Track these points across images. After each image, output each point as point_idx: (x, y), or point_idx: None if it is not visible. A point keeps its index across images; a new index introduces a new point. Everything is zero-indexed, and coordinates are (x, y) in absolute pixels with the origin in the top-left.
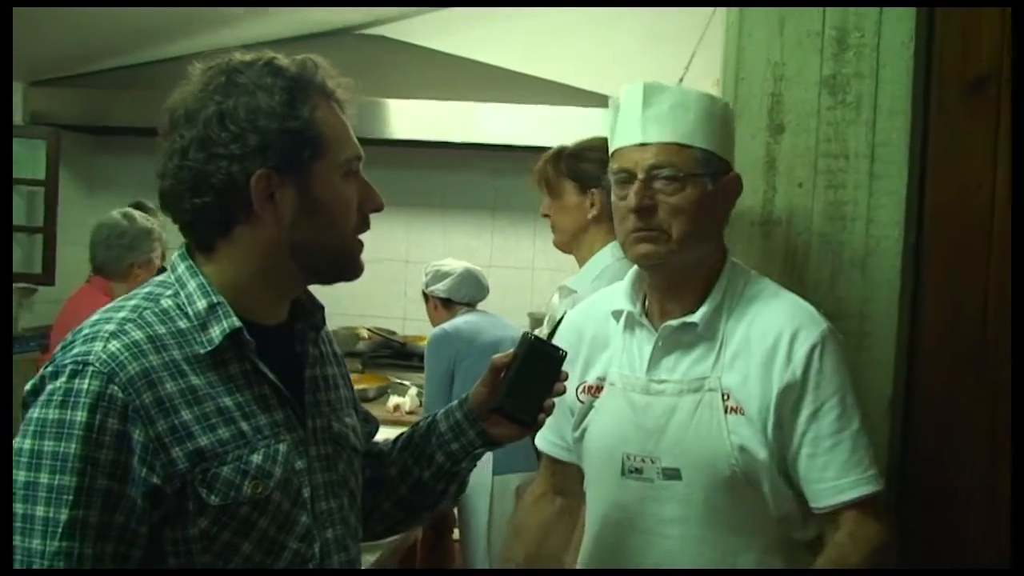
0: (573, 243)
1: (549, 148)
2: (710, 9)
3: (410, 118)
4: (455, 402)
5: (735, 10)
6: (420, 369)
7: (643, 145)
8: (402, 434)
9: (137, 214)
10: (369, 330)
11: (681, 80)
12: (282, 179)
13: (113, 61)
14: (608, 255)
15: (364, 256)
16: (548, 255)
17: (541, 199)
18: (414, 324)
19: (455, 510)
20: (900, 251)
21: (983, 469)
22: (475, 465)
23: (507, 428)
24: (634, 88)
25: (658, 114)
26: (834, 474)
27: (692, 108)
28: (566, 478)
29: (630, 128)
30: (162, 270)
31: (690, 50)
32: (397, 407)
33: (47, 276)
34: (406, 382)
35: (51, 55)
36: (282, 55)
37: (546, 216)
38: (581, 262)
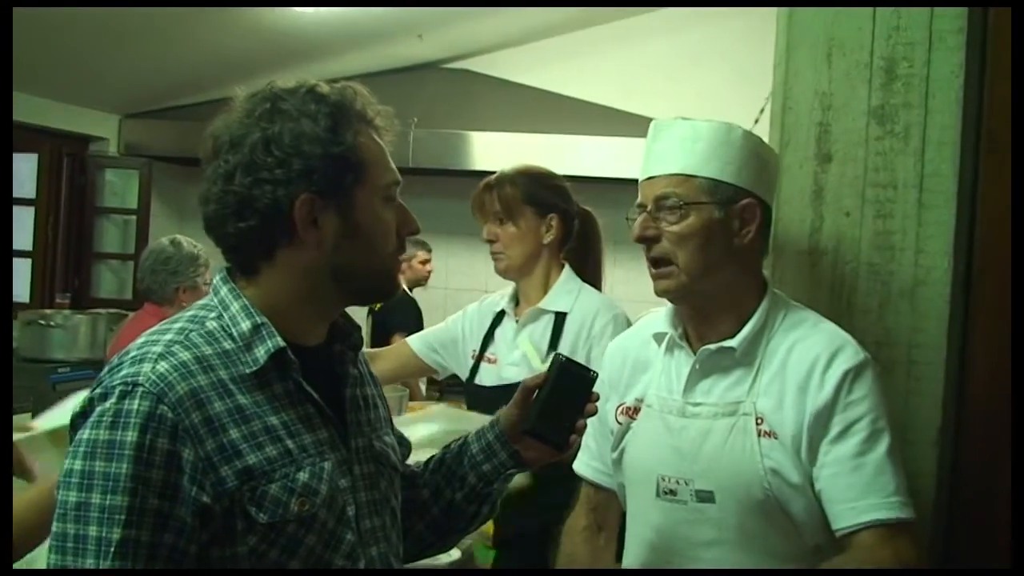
0: (524, 268)
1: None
2: None
3: (492, 150)
4: (487, 423)
5: (783, 40)
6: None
7: (651, 179)
8: (434, 456)
9: (184, 240)
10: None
11: (762, 112)
12: (325, 203)
13: (204, 95)
14: (575, 279)
15: (441, 283)
16: (627, 285)
17: (615, 230)
18: None
19: None
20: (949, 281)
21: None
22: (505, 487)
23: (539, 450)
24: (652, 126)
25: (665, 148)
26: (854, 495)
27: (702, 139)
28: (606, 508)
29: (644, 164)
30: None
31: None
32: None
33: (138, 302)
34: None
35: (144, 88)
36: (323, 82)
37: (490, 241)
38: (532, 288)
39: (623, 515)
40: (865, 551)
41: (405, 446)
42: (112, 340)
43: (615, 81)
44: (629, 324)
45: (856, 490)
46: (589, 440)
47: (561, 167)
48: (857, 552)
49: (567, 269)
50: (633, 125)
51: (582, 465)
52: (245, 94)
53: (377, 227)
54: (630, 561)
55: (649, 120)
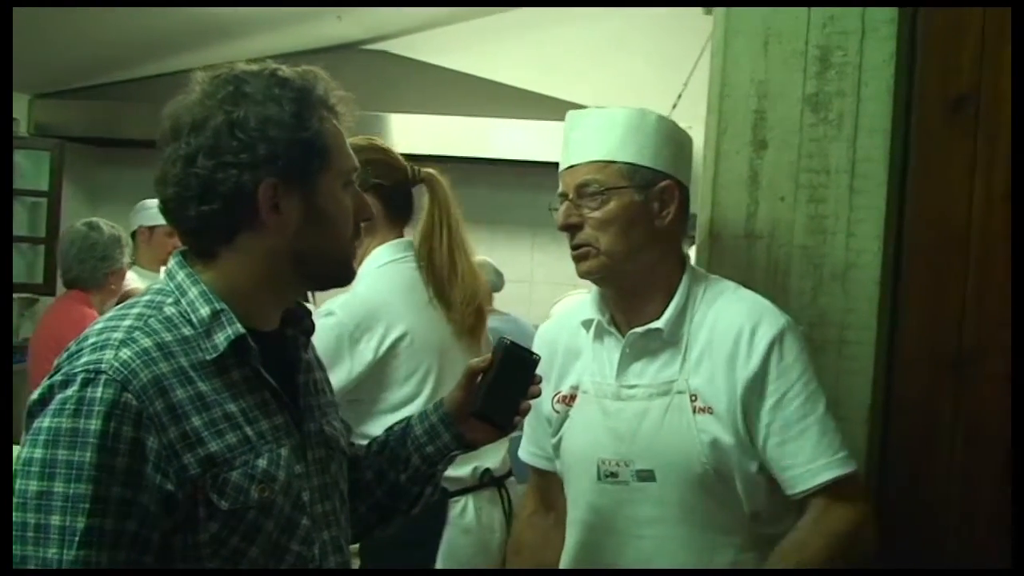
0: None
1: (551, 163)
2: (709, 30)
3: (410, 132)
4: (430, 405)
5: (721, 29)
6: None
7: (572, 167)
8: (377, 438)
9: (102, 222)
10: None
11: (679, 97)
12: (289, 189)
13: (117, 74)
14: (384, 254)
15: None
16: (547, 268)
17: (534, 214)
18: None
19: None
20: (880, 264)
21: (960, 475)
22: (447, 468)
23: (483, 431)
24: (568, 116)
25: (583, 136)
26: (805, 458)
27: (618, 125)
28: (552, 490)
29: (563, 154)
30: None
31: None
32: None
33: (48, 286)
34: None
35: (56, 67)
36: (285, 67)
37: None
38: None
39: None
40: (821, 514)
41: (349, 430)
42: (36, 326)
43: (535, 64)
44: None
45: (806, 453)
46: (528, 428)
47: (480, 150)
48: (814, 518)
49: (384, 247)
50: (553, 109)
51: (524, 452)
52: (204, 75)
53: (339, 213)
54: (571, 545)
55: (569, 104)
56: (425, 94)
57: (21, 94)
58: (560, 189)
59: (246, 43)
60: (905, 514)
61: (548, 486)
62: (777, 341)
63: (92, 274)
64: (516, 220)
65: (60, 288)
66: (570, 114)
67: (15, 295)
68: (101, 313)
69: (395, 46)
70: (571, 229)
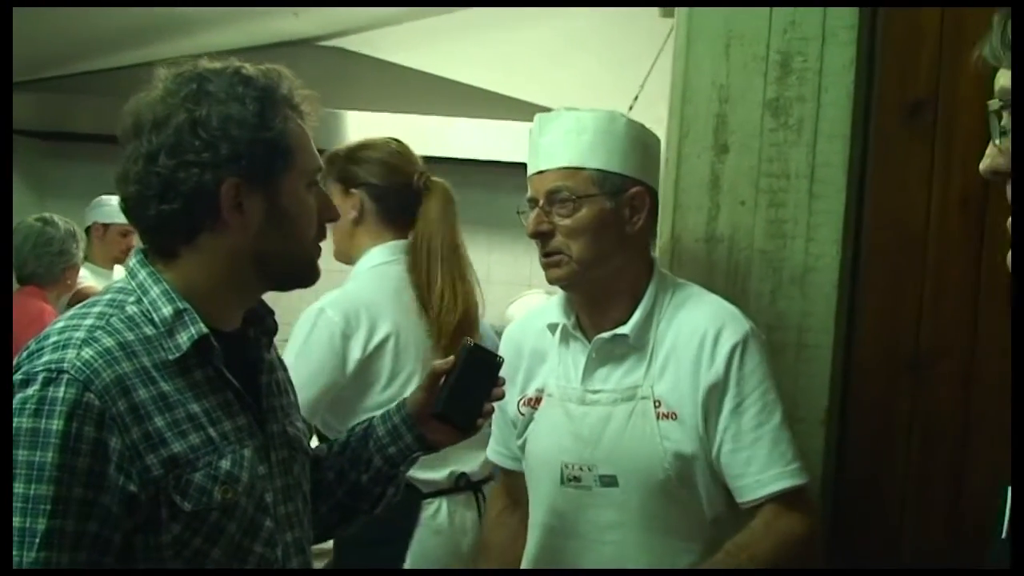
0: (346, 250)
1: (509, 163)
2: (666, 32)
3: (367, 131)
4: (393, 406)
5: (683, 32)
6: None
7: (541, 173)
8: (337, 439)
9: (57, 217)
10: None
11: (636, 99)
12: (251, 188)
13: (69, 67)
14: (377, 256)
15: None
16: (505, 268)
17: (492, 213)
18: None
19: None
20: (838, 267)
21: (916, 476)
22: (409, 468)
23: (445, 432)
24: (536, 119)
25: (552, 141)
26: (757, 468)
27: (588, 130)
28: (519, 488)
29: (531, 158)
30: None
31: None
32: None
33: None
34: None
35: None
36: (248, 64)
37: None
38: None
39: None
40: (772, 519)
41: (311, 431)
42: None
43: (494, 64)
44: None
45: (758, 463)
46: (495, 428)
47: (438, 149)
48: (765, 521)
49: (378, 248)
50: (511, 109)
51: (492, 452)
52: (168, 72)
53: (302, 213)
54: (532, 547)
55: (525, 104)
56: (382, 92)
57: None
58: (529, 194)
59: (200, 38)
60: (862, 513)
61: (515, 484)
62: (739, 347)
63: (49, 269)
64: (473, 219)
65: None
66: (538, 117)
67: None
68: (57, 308)
69: (352, 43)
70: (542, 236)
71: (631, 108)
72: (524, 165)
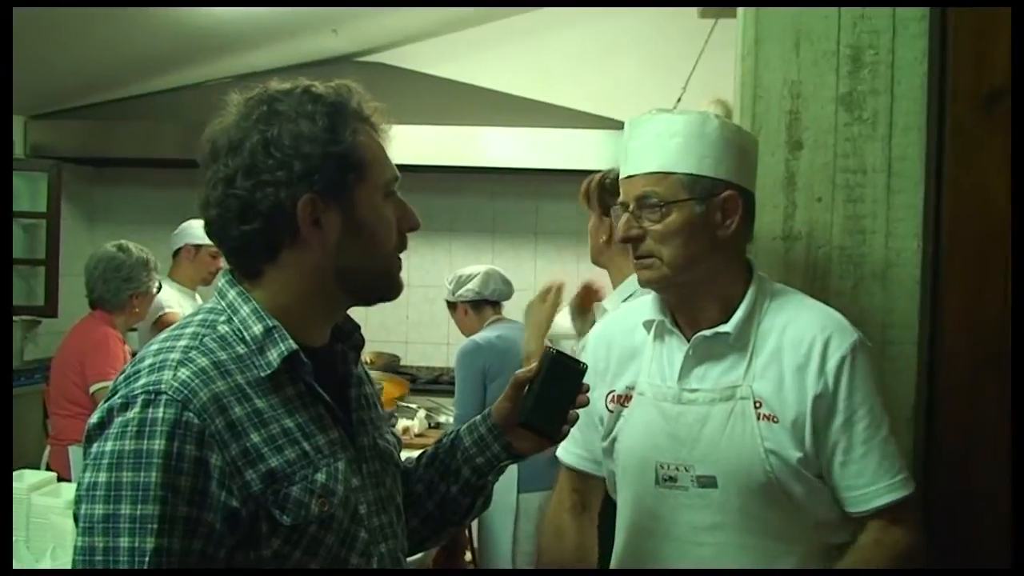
0: (599, 261)
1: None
2: (706, 32)
3: (407, 143)
4: (478, 417)
5: (751, 31)
6: (426, 392)
7: (630, 177)
8: (425, 451)
9: (132, 245)
10: (372, 354)
11: (679, 100)
12: (327, 203)
13: (111, 93)
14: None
15: None
16: (550, 275)
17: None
18: (416, 348)
19: (473, 530)
20: (919, 262)
21: (1007, 471)
22: (498, 478)
23: (531, 441)
24: (627, 123)
25: (642, 145)
26: (866, 481)
27: (679, 133)
28: (589, 493)
29: (622, 163)
30: None
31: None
32: (406, 430)
33: (50, 308)
34: (413, 405)
35: (49, 89)
36: (318, 82)
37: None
38: (612, 282)
39: (605, 503)
40: (880, 535)
41: (401, 444)
42: (58, 347)
43: (530, 71)
44: None
45: (867, 476)
46: (575, 430)
47: (477, 159)
48: (874, 539)
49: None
50: (549, 115)
51: (566, 453)
52: (240, 97)
53: (379, 225)
54: (623, 549)
55: (564, 110)
56: (420, 104)
57: (16, 116)
58: (620, 198)
59: (239, 59)
60: (951, 509)
61: (588, 489)
62: (849, 358)
63: (115, 295)
64: (517, 228)
65: (64, 309)
66: (629, 121)
67: (16, 318)
68: (124, 334)
69: (389, 57)
70: (632, 241)
71: (674, 109)
72: (564, 172)
